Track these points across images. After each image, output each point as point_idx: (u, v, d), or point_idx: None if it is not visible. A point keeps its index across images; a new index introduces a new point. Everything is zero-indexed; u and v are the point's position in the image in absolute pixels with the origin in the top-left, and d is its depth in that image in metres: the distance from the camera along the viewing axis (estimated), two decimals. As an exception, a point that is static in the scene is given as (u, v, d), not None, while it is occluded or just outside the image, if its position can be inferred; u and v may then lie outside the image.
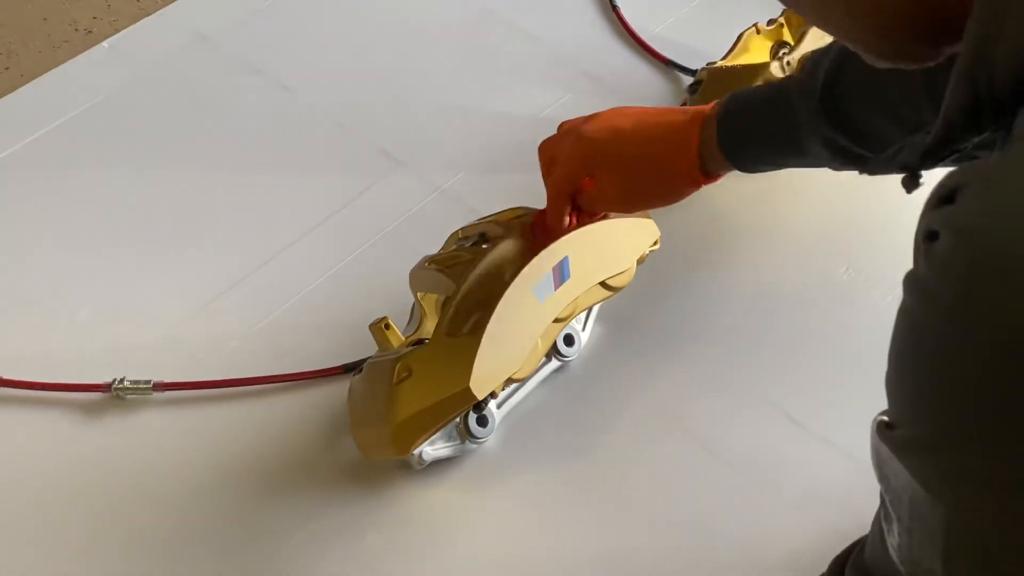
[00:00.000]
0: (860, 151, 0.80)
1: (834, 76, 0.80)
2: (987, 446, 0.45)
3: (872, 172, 0.77)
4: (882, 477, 0.55)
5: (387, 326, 0.90)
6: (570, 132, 0.88)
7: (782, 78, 0.89)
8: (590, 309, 0.98)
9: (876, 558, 0.62)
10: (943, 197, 0.46)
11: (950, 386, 0.46)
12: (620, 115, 0.87)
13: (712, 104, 0.85)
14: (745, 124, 0.83)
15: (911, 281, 0.48)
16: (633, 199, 0.89)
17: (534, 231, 0.91)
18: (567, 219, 0.89)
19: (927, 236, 0.46)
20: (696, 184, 0.86)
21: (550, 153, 0.90)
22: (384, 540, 0.88)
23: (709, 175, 0.86)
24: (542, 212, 0.91)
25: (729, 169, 0.86)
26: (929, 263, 0.46)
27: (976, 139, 0.52)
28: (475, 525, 0.89)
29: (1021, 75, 0.47)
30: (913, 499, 0.52)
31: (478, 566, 0.87)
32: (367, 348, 0.93)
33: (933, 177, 0.51)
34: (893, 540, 0.57)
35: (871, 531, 0.64)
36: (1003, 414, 0.44)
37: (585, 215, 0.90)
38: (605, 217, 0.92)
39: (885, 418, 0.52)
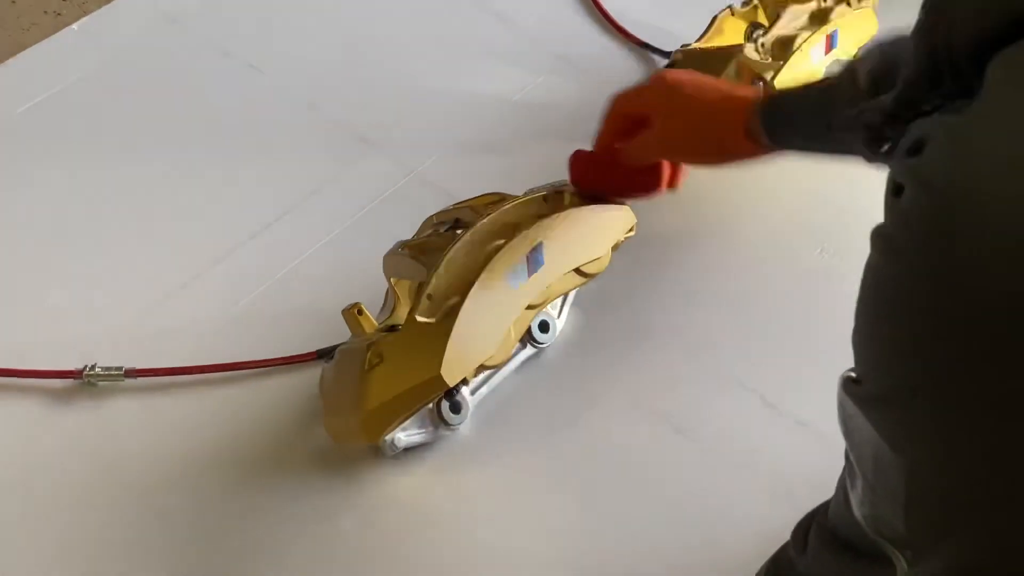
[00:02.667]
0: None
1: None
2: (947, 399, 0.45)
3: (835, 145, 0.74)
4: (847, 433, 0.56)
5: (360, 312, 0.90)
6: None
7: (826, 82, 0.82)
8: (565, 295, 0.98)
9: (839, 517, 0.62)
10: (910, 149, 0.46)
11: (911, 337, 0.46)
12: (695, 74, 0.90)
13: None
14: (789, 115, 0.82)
15: (877, 235, 0.48)
16: (690, 147, 0.90)
17: (575, 171, 0.94)
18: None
19: (894, 190, 0.46)
20: (745, 144, 0.85)
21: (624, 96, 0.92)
22: (359, 525, 0.88)
23: (759, 146, 0.85)
24: (581, 153, 0.95)
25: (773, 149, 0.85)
26: (894, 216, 0.46)
27: (937, 101, 0.52)
28: (449, 511, 0.89)
29: (978, 36, 0.47)
30: (876, 455, 0.52)
31: (453, 551, 0.87)
32: (341, 334, 0.92)
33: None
34: (856, 497, 0.57)
35: (835, 492, 0.64)
36: (963, 365, 0.44)
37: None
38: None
39: (852, 374, 0.52)
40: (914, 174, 0.45)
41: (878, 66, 0.73)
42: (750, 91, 0.86)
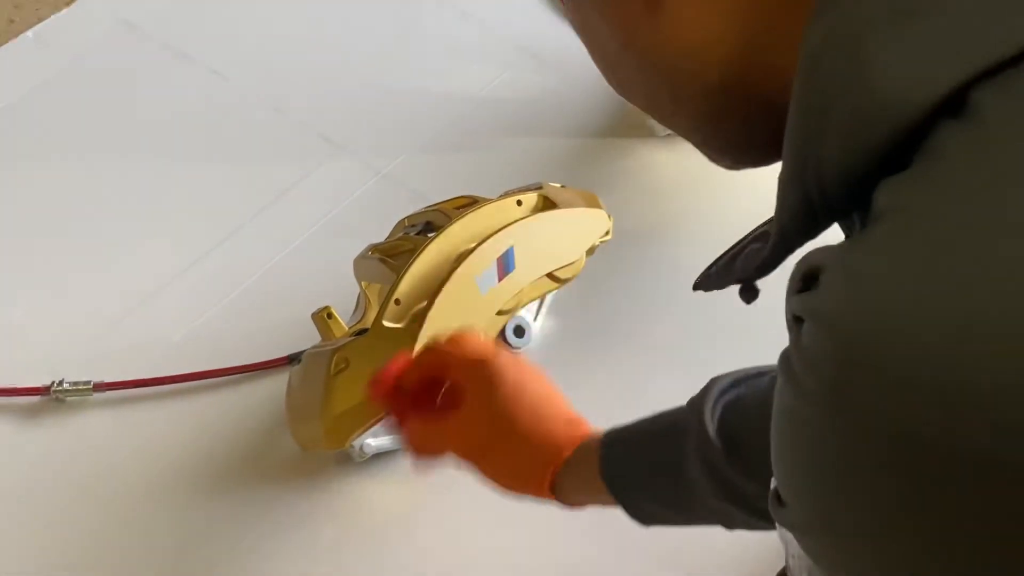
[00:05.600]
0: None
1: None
2: (863, 537, 0.44)
3: (707, 288, 0.67)
4: (781, 536, 0.54)
5: (329, 315, 0.89)
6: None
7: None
8: (542, 300, 0.96)
9: None
10: (805, 279, 0.44)
11: (823, 478, 0.45)
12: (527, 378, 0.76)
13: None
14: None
15: (784, 363, 0.45)
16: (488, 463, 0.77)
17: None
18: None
19: (795, 319, 0.44)
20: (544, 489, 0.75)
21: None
22: (334, 533, 0.87)
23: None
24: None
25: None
26: (798, 352, 0.44)
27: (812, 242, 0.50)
28: (423, 517, 0.88)
29: (848, 178, 0.44)
30: (809, 567, 0.51)
31: (429, 558, 0.86)
32: (313, 339, 0.91)
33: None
34: None
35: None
36: (876, 506, 0.43)
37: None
38: None
39: (779, 492, 0.50)
40: (813, 312, 0.43)
41: (729, 417, 0.70)
42: (582, 428, 0.76)
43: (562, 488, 0.75)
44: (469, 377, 0.75)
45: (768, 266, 0.53)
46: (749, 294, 0.58)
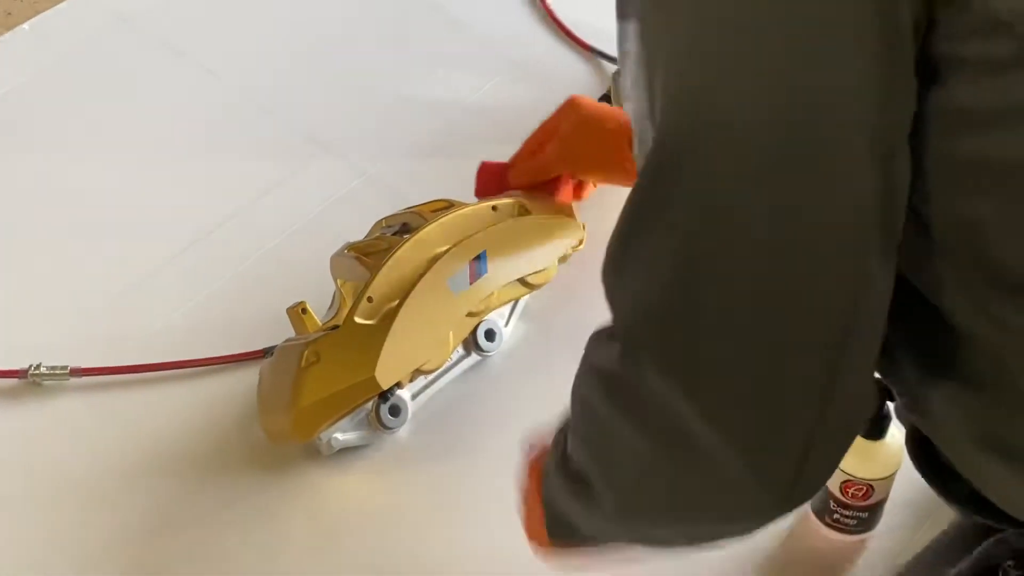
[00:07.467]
0: None
1: None
2: None
3: None
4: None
5: (304, 311, 0.91)
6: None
7: None
8: (514, 304, 0.98)
9: None
10: None
11: None
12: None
13: None
14: None
15: None
16: (582, 154, 0.98)
17: (481, 181, 1.00)
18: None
19: None
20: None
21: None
22: (300, 525, 0.88)
23: None
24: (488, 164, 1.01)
25: None
26: None
27: None
28: (388, 512, 0.89)
29: None
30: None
31: (393, 552, 0.87)
32: (289, 334, 0.93)
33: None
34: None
35: None
36: None
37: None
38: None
39: None
40: None
41: None
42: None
43: None
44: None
45: None
46: None
